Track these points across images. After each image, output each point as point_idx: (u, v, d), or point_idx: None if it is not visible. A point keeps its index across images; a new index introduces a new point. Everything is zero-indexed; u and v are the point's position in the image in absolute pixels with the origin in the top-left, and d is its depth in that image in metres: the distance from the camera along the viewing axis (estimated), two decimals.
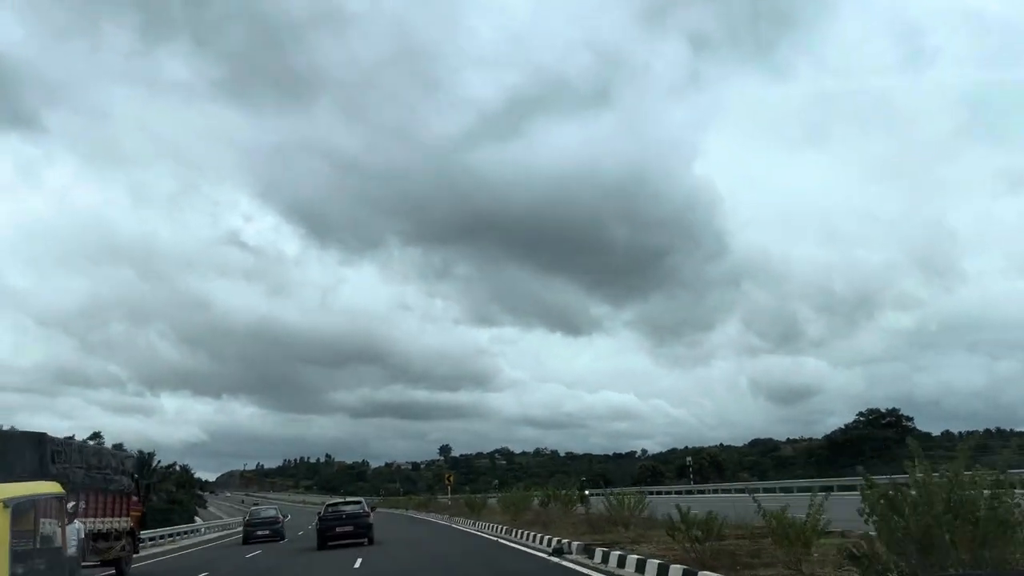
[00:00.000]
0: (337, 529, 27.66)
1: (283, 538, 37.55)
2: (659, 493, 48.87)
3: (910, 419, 74.47)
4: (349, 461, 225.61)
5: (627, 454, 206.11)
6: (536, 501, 33.02)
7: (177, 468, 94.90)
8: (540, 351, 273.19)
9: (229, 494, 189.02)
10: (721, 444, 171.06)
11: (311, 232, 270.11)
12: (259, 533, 37.53)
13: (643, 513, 21.00)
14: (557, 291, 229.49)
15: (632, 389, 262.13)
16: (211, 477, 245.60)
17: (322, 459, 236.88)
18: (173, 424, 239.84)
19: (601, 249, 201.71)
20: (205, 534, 53.44)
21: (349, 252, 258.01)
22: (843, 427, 70.89)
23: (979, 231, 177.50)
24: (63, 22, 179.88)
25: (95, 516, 19.91)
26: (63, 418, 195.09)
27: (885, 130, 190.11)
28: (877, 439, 63.89)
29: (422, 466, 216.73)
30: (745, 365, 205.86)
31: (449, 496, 56.56)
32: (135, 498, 24.29)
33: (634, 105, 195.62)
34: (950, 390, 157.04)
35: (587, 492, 39.61)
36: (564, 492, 33.16)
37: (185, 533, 48.62)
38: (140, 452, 74.39)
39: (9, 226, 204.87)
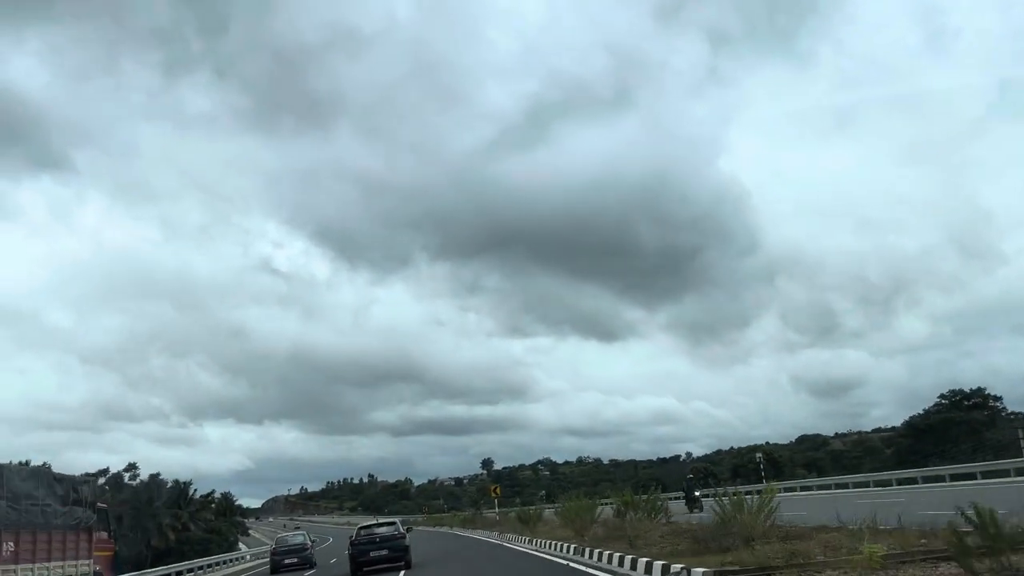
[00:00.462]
0: (371, 554, 25.48)
1: (313, 566, 35.41)
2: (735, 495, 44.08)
3: (998, 399, 67.07)
4: (392, 480, 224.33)
5: (672, 458, 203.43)
6: (601, 511, 27.05)
7: (216, 496, 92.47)
8: (576, 359, 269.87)
9: (272, 519, 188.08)
10: (767, 443, 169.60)
11: (340, 254, 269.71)
12: (287, 562, 35.64)
13: (767, 520, 15.53)
14: (589, 298, 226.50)
15: (671, 392, 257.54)
16: (256, 503, 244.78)
17: (365, 479, 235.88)
18: (218, 453, 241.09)
19: (631, 252, 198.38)
20: (236, 564, 50.83)
21: (378, 271, 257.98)
22: (924, 412, 65.62)
23: (1015, 210, 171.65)
24: (85, 63, 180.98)
25: (30, 561, 16.36)
26: (109, 452, 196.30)
27: (913, 112, 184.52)
28: (962, 422, 58.45)
29: (465, 481, 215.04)
30: (785, 361, 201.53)
31: (496, 510, 52.53)
32: (103, 534, 21.09)
33: (655, 105, 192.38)
34: (996, 374, 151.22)
35: (697, 493, 35.12)
36: (647, 496, 25.84)
37: (214, 565, 45.94)
38: (176, 482, 72.38)
39: (47, 267, 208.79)
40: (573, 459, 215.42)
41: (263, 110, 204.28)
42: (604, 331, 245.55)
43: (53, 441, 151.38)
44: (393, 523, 28.32)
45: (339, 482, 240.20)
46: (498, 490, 53.72)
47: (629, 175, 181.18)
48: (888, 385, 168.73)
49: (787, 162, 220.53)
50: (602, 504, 28.55)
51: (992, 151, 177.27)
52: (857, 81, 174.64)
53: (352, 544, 26.27)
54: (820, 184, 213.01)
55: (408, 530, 28.65)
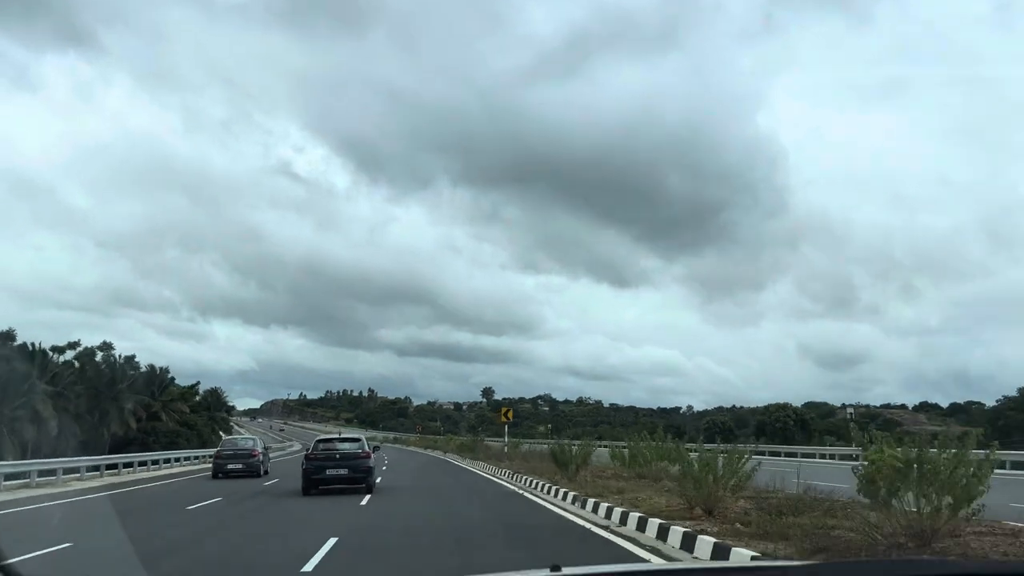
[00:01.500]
0: (328, 472, 21.88)
1: (259, 475, 31.60)
2: (763, 454, 34.69)
3: None
4: (391, 397, 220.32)
5: (672, 409, 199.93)
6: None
7: (200, 388, 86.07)
8: (586, 301, 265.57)
9: (262, 420, 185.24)
10: (771, 404, 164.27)
11: (361, 167, 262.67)
12: (230, 467, 31.62)
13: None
14: (607, 241, 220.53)
15: (677, 345, 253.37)
16: (256, 404, 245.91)
17: (365, 393, 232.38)
18: (223, 351, 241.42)
19: (655, 200, 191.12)
20: (191, 463, 44.19)
21: (398, 189, 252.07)
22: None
23: None
24: None
25: None
26: (121, 338, 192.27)
27: (967, 89, 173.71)
28: None
29: (464, 407, 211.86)
30: (795, 327, 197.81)
31: (506, 440, 40.08)
32: None
33: (700, 47, 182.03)
34: (1004, 365, 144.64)
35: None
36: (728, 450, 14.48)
37: (162, 462, 40.09)
38: (152, 367, 65.63)
39: (67, 145, 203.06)
40: (573, 399, 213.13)
41: (297, 6, 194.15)
42: (618, 276, 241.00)
43: (63, 320, 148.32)
44: (357, 439, 24.59)
45: (339, 392, 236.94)
46: (510, 414, 38.90)
47: (663, 119, 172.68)
48: (895, 364, 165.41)
49: (827, 125, 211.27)
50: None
51: None
52: (912, 48, 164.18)
53: (307, 458, 22.59)
54: (858, 152, 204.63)
55: (375, 449, 25.10)
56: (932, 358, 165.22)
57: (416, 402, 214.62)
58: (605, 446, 33.62)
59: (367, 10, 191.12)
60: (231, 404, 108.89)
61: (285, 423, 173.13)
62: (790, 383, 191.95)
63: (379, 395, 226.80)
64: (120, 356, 60.88)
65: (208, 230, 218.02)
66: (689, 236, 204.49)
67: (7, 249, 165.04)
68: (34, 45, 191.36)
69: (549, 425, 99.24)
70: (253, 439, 36.33)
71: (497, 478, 28.74)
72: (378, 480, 23.99)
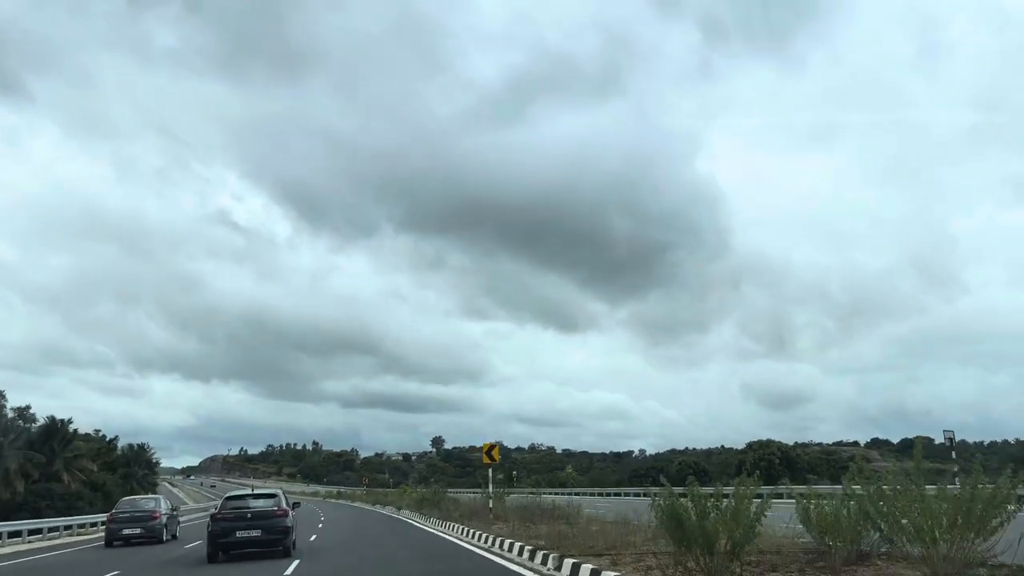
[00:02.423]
0: (238, 534, 18.82)
1: (162, 539, 27.41)
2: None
3: None
4: (337, 449, 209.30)
5: (625, 453, 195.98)
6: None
7: (118, 444, 75.88)
8: (533, 347, 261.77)
9: (194, 478, 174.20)
10: (722, 446, 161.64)
11: (302, 215, 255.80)
12: (126, 532, 27.25)
13: None
14: (552, 286, 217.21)
15: (625, 389, 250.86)
16: (195, 461, 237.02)
17: (309, 447, 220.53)
18: (162, 407, 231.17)
19: (599, 244, 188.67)
20: (80, 532, 36.06)
21: (340, 238, 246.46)
22: None
23: (982, 240, 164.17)
24: None
25: None
26: (53, 397, 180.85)
27: (893, 131, 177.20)
28: None
29: (413, 457, 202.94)
30: (739, 369, 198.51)
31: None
32: None
33: (640, 91, 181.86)
34: (942, 401, 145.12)
35: None
36: None
37: (52, 530, 34.00)
38: (52, 419, 55.98)
39: None
40: (524, 445, 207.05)
41: (233, 53, 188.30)
42: (564, 321, 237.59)
43: None
44: (273, 495, 20.87)
45: (281, 447, 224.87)
46: (496, 452, 25.14)
47: (605, 162, 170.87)
48: (836, 402, 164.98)
49: (764, 168, 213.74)
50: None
51: (966, 178, 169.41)
52: (843, 92, 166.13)
53: (213, 519, 19.36)
54: (794, 193, 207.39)
55: (294, 506, 21.65)
56: (870, 395, 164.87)
57: (363, 454, 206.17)
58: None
59: (305, 56, 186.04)
60: (156, 460, 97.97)
61: (222, 479, 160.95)
62: (736, 423, 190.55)
63: (324, 448, 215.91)
64: (6, 408, 51.23)
65: (144, 282, 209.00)
66: (633, 279, 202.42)
67: None
68: None
69: (515, 473, 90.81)
70: (156, 499, 30.65)
71: (496, 553, 17.15)
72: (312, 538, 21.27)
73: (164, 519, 28.06)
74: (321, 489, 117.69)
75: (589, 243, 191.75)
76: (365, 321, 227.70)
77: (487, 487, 25.81)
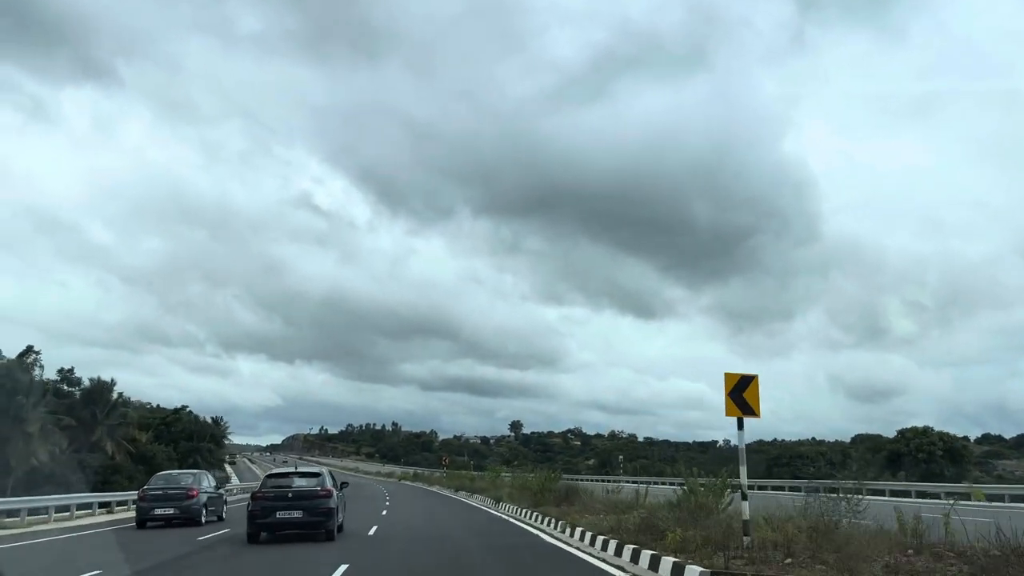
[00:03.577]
0: (278, 515, 16.99)
1: (199, 521, 23.23)
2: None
3: None
4: (416, 431, 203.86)
5: (710, 443, 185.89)
6: None
7: (186, 412, 68.86)
8: (610, 333, 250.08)
9: (277, 456, 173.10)
10: (814, 438, 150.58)
11: (381, 199, 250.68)
12: (158, 511, 23.02)
13: None
14: (631, 271, 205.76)
15: (704, 378, 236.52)
16: (278, 440, 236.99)
17: (388, 427, 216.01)
18: (249, 387, 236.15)
19: (680, 228, 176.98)
20: (95, 514, 28.62)
21: (419, 221, 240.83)
22: None
23: None
24: None
25: None
26: (148, 375, 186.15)
27: (1001, 105, 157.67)
28: None
29: (492, 441, 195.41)
30: (826, 359, 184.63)
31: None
32: None
33: (728, 68, 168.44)
34: None
35: None
36: None
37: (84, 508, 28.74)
38: (98, 380, 48.75)
39: (89, 181, 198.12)
40: (602, 432, 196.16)
41: (314, 36, 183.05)
42: (642, 307, 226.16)
43: (91, 357, 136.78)
44: (316, 474, 18.73)
45: (361, 426, 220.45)
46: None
47: (688, 144, 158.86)
48: (930, 396, 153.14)
49: (858, 149, 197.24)
50: None
51: None
52: (947, 66, 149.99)
53: (253, 498, 17.60)
54: (890, 176, 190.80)
55: (342, 486, 19.47)
56: (968, 390, 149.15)
57: (442, 436, 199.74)
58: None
59: (384, 38, 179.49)
60: (226, 435, 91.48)
61: (299, 457, 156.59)
62: (822, 415, 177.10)
63: (403, 429, 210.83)
64: (38, 362, 43.80)
65: (230, 264, 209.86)
66: (715, 265, 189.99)
67: (33, 285, 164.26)
68: (52, 79, 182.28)
69: (621, 457, 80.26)
70: (194, 474, 26.07)
71: None
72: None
73: (203, 497, 23.88)
74: (397, 470, 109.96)
75: (670, 227, 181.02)
76: (442, 305, 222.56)
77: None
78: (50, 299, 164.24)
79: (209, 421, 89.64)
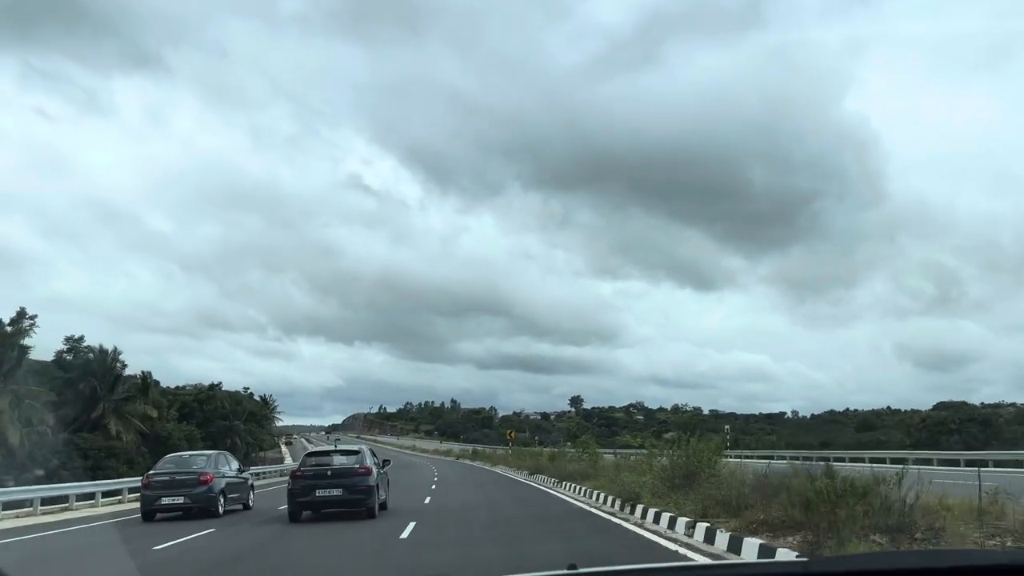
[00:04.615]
0: (318, 493, 16.81)
1: (216, 512, 19.33)
2: None
3: None
4: (475, 407, 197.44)
5: (777, 414, 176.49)
6: None
7: (218, 387, 61.60)
8: (668, 306, 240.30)
9: (337, 435, 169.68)
10: (888, 407, 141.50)
11: (430, 177, 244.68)
12: (166, 501, 19.29)
13: None
14: (687, 242, 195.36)
15: (766, 349, 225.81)
16: (338, 420, 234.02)
17: (447, 404, 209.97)
18: (310, 369, 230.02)
19: (737, 195, 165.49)
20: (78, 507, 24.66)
21: (468, 198, 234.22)
22: None
23: None
24: None
25: None
26: (213, 360, 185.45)
27: None
28: None
29: (552, 417, 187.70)
30: (893, 327, 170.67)
31: None
32: None
33: (784, 23, 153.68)
34: None
35: None
36: None
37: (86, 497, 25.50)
38: (101, 349, 41.23)
39: (144, 171, 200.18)
40: (663, 407, 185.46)
41: (356, 13, 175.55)
42: (701, 279, 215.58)
43: (157, 344, 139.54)
44: (356, 452, 18.53)
45: (420, 404, 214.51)
46: None
47: (744, 106, 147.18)
48: (1006, 363, 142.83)
49: (925, 103, 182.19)
50: None
51: None
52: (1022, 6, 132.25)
53: (293, 477, 17.56)
54: (960, 131, 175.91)
55: (383, 464, 19.09)
56: None
57: (501, 413, 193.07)
58: None
59: (425, 12, 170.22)
60: (274, 415, 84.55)
61: (358, 436, 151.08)
62: (889, 386, 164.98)
63: (462, 406, 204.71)
64: (33, 329, 36.08)
65: (285, 249, 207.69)
66: (775, 233, 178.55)
67: (98, 276, 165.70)
68: (102, 69, 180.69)
69: (727, 428, 69.98)
70: (208, 456, 21.74)
71: None
72: None
73: (220, 483, 19.93)
74: (455, 447, 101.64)
75: (726, 195, 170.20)
76: (496, 282, 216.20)
77: None
78: (114, 289, 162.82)
79: (256, 399, 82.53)
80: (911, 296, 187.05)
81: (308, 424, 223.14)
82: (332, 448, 20.71)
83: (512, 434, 45.72)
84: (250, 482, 23.34)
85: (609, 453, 30.92)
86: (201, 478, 19.50)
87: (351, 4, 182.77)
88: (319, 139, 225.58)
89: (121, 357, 43.13)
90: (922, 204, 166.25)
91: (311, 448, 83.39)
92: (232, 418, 59.95)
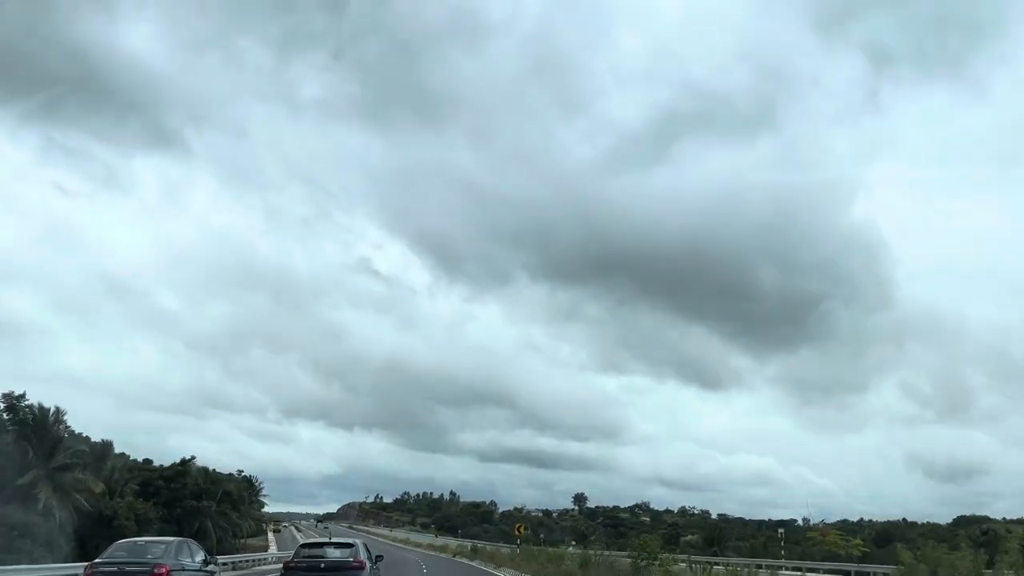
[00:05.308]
0: None
1: None
2: None
3: None
4: (475, 500, 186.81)
5: (788, 520, 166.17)
6: None
7: (190, 462, 54.92)
8: (673, 404, 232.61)
9: (326, 524, 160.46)
10: (904, 519, 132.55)
11: (439, 264, 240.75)
12: None
13: None
14: (694, 339, 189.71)
15: (772, 452, 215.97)
16: (333, 508, 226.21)
17: (446, 496, 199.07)
18: (309, 454, 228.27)
19: (745, 294, 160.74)
20: None
21: (476, 287, 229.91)
22: None
23: None
24: (201, 33, 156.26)
25: None
26: (212, 441, 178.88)
27: None
28: None
29: (555, 515, 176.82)
30: (902, 435, 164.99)
31: None
32: None
33: (796, 129, 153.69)
34: None
35: None
36: None
37: None
38: (36, 407, 34.63)
39: (157, 247, 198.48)
40: (668, 508, 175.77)
41: (375, 102, 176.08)
42: (707, 377, 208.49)
43: (158, 423, 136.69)
44: (350, 545, 18.64)
45: (418, 495, 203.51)
46: None
47: (754, 207, 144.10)
48: (1018, 476, 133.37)
49: (933, 210, 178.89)
50: None
51: None
52: None
53: (286, 568, 17.97)
54: (968, 239, 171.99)
55: (377, 559, 19.24)
56: None
57: (501, 508, 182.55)
58: None
59: (443, 102, 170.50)
60: (253, 498, 76.53)
61: (349, 526, 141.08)
62: (898, 496, 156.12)
63: (461, 499, 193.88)
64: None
65: (292, 330, 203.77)
66: (783, 333, 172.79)
67: (108, 353, 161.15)
68: (123, 148, 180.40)
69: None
70: (166, 544, 18.13)
71: None
72: None
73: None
74: (452, 542, 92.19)
75: (735, 294, 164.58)
76: (500, 372, 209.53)
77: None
78: (120, 364, 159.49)
79: (240, 478, 74.71)
80: (920, 403, 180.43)
81: (303, 512, 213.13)
82: (327, 540, 20.49)
83: (521, 529, 36.98)
84: (217, 573, 20.68)
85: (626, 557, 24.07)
86: (156, 570, 16.72)
87: (370, 92, 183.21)
88: (331, 222, 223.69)
89: (66, 418, 37.38)
90: (931, 311, 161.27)
91: (301, 538, 74.11)
92: (205, 498, 52.43)
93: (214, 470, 59.04)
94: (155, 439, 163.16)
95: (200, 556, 18.93)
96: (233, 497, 59.16)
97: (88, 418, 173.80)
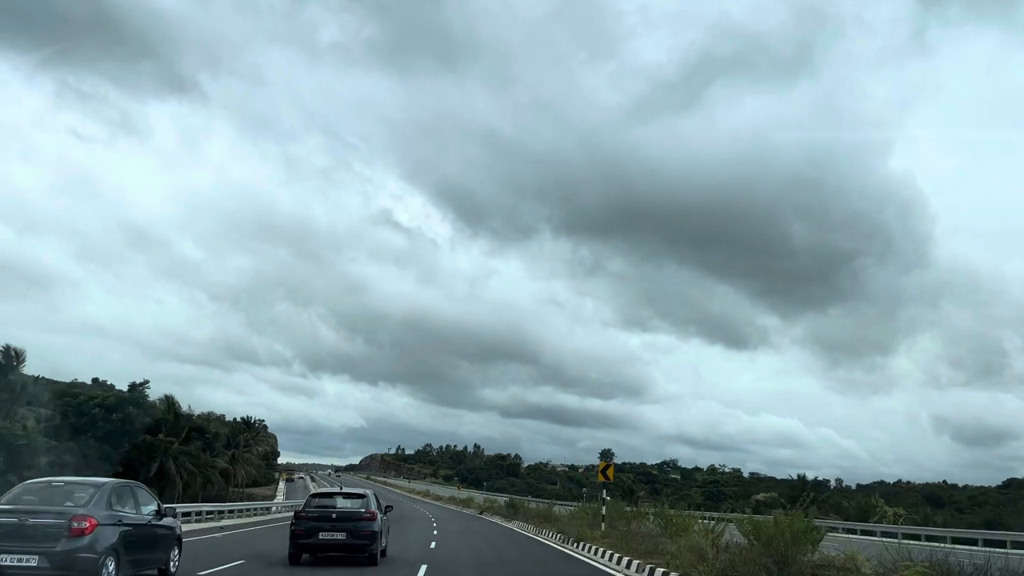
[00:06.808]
0: (321, 535, 16.03)
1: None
2: None
3: None
4: (500, 453, 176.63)
5: (823, 481, 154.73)
6: None
7: (140, 389, 41.45)
8: (697, 363, 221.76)
9: (341, 475, 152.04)
10: (945, 481, 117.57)
11: (460, 216, 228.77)
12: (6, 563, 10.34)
13: None
14: (720, 297, 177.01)
15: (797, 413, 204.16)
16: (356, 460, 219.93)
17: (470, 449, 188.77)
18: (334, 407, 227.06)
19: (775, 250, 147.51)
20: None
21: (498, 241, 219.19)
22: None
23: None
24: None
25: None
26: (238, 393, 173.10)
27: None
28: None
29: (581, 470, 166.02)
30: (932, 397, 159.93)
31: None
32: None
33: (836, 72, 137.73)
34: None
35: None
36: None
37: None
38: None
39: (177, 196, 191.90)
40: (699, 466, 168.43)
41: (394, 46, 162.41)
42: (732, 336, 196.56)
43: (185, 374, 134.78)
44: (362, 496, 17.55)
45: (441, 447, 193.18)
46: None
47: (786, 157, 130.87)
48: None
49: (975, 164, 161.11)
50: None
51: None
52: None
53: (297, 517, 16.59)
54: (1010, 195, 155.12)
55: (386, 510, 18.39)
56: None
57: (526, 462, 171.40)
58: None
59: (464, 47, 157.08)
60: (258, 442, 63.85)
61: (367, 477, 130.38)
62: (924, 459, 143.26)
63: (485, 452, 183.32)
64: None
65: (314, 283, 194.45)
66: (812, 291, 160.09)
67: (133, 303, 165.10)
68: (138, 92, 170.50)
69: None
70: (95, 486, 12.10)
71: None
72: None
73: (108, 534, 11.38)
74: (478, 495, 79.14)
75: (763, 249, 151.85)
76: (522, 328, 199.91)
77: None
78: (145, 316, 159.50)
79: (238, 421, 61.76)
80: (952, 366, 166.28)
81: (327, 463, 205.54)
82: (338, 490, 19.27)
83: (611, 472, 21.86)
84: (177, 532, 14.05)
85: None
86: (74, 524, 11.01)
87: (390, 36, 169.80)
88: (351, 172, 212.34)
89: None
90: (968, 270, 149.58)
91: (314, 488, 61.46)
92: (165, 433, 39.41)
93: (185, 405, 45.98)
94: (184, 389, 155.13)
95: (150, 506, 13.24)
96: (207, 436, 45.82)
97: (115, 368, 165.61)
